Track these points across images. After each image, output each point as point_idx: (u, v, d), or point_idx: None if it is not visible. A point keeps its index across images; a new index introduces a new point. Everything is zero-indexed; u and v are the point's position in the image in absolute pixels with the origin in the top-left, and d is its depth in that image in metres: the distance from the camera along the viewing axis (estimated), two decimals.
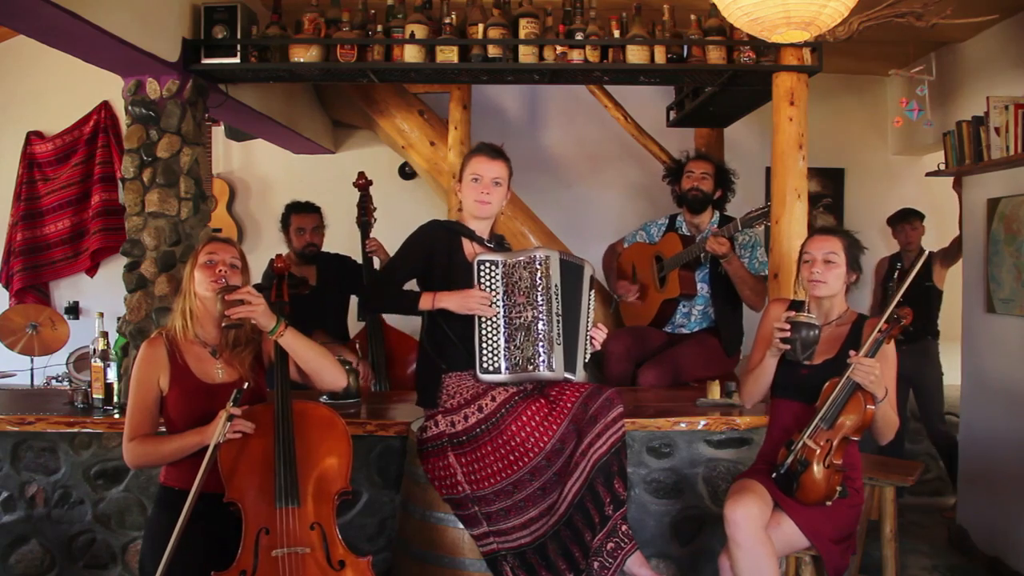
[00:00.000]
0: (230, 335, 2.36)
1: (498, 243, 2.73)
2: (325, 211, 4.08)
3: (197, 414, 2.24)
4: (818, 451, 2.35)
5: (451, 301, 2.52)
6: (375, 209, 3.74)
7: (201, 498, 2.16)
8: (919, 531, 4.23)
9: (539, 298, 2.50)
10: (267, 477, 2.18)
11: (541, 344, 2.47)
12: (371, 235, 3.75)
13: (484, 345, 2.51)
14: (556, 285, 2.52)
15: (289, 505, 2.16)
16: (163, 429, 2.31)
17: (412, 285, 2.65)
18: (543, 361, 2.47)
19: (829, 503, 2.36)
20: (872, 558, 3.28)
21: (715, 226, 3.71)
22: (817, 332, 2.42)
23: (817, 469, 2.35)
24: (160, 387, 2.28)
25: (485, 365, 2.51)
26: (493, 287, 2.53)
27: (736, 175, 3.91)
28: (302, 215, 3.93)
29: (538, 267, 2.51)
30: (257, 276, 2.58)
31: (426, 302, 2.54)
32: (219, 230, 5.23)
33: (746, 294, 3.64)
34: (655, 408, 3.02)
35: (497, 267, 2.54)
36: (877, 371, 2.30)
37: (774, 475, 2.44)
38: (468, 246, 2.63)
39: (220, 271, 2.30)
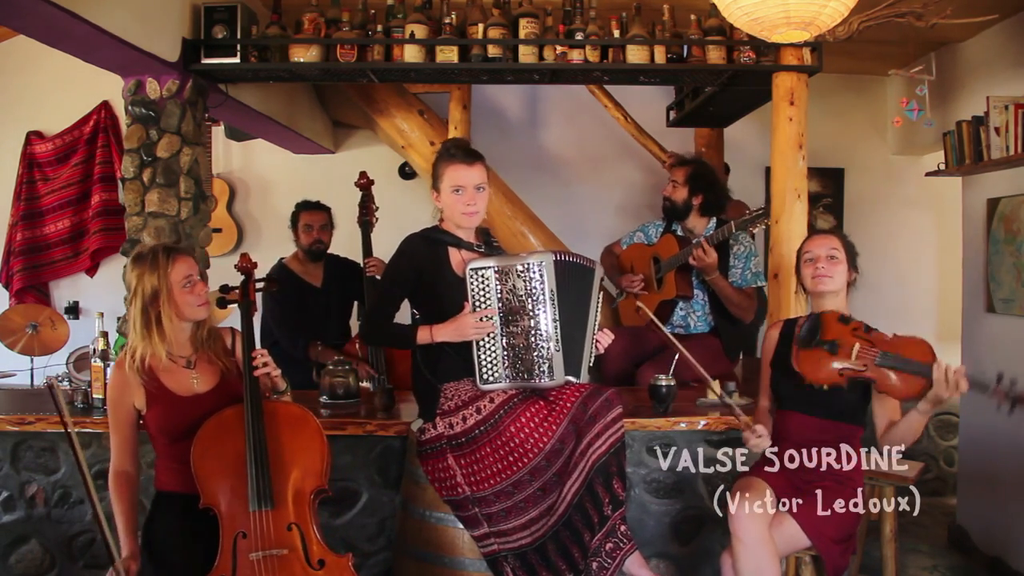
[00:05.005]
0: (200, 337, 2.35)
1: (485, 241, 2.65)
2: None
3: (179, 429, 2.23)
4: (853, 354, 2.34)
5: (447, 333, 2.46)
6: (377, 209, 3.74)
7: (186, 501, 2.18)
8: (919, 531, 4.23)
9: (536, 305, 2.44)
10: (241, 480, 2.17)
11: (540, 352, 2.44)
12: (371, 247, 3.75)
13: (482, 356, 2.47)
14: (551, 290, 2.45)
15: (264, 508, 2.15)
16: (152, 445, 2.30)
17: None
18: (543, 370, 2.44)
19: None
20: (872, 558, 3.28)
21: (711, 231, 3.69)
22: (667, 389, 2.90)
23: (837, 361, 2.35)
24: (136, 408, 2.27)
25: (485, 376, 2.47)
26: (486, 297, 2.46)
27: (715, 173, 3.84)
28: (311, 212, 4.01)
29: (533, 273, 2.44)
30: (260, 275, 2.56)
31: (423, 336, 2.48)
32: (219, 230, 5.24)
33: (732, 310, 3.66)
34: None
35: (490, 274, 2.47)
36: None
37: (800, 331, 2.45)
38: (455, 255, 2.56)
39: (201, 293, 2.30)
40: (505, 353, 2.46)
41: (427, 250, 2.55)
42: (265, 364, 2.29)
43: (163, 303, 2.25)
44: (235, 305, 2.44)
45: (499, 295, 2.46)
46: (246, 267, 2.47)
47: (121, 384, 2.26)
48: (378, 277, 3.64)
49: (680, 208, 3.73)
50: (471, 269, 2.48)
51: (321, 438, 2.29)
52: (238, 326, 2.43)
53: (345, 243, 4.14)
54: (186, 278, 2.27)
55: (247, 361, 2.29)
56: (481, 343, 2.47)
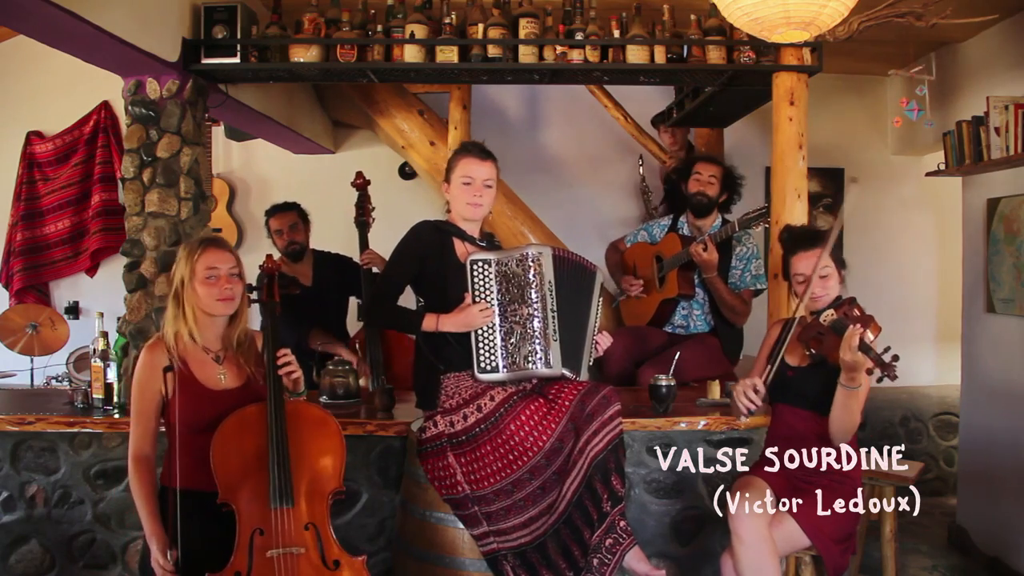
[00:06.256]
0: (231, 336, 2.36)
1: (488, 241, 2.71)
2: (324, 211, 4.09)
3: (200, 421, 2.24)
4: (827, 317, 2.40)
5: (453, 323, 2.50)
6: (373, 209, 3.74)
7: (199, 497, 2.17)
8: (919, 531, 4.23)
9: (533, 295, 2.50)
10: (260, 478, 2.17)
11: (537, 341, 2.48)
12: (368, 247, 3.73)
13: (481, 345, 2.50)
14: (550, 281, 2.52)
15: (283, 505, 2.15)
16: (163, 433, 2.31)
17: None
18: (540, 358, 2.47)
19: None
20: (872, 558, 3.28)
21: (716, 228, 3.70)
22: (667, 389, 2.92)
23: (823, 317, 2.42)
24: (162, 393, 2.27)
25: (483, 365, 2.50)
26: (487, 286, 2.52)
27: (743, 180, 3.87)
28: (276, 216, 3.97)
29: (531, 264, 2.51)
30: (252, 276, 2.56)
31: (429, 324, 2.52)
32: (219, 230, 5.23)
33: (726, 313, 3.67)
34: None
35: (490, 266, 2.53)
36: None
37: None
38: (460, 246, 2.61)
39: (224, 288, 2.29)
40: (503, 343, 2.49)
41: (433, 237, 2.61)
42: (288, 363, 2.30)
43: (185, 291, 2.28)
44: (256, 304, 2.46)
45: (499, 285, 2.52)
46: (271, 267, 2.48)
47: (151, 365, 2.26)
48: (375, 270, 3.63)
49: (713, 203, 3.74)
50: (472, 260, 2.54)
51: (340, 439, 2.31)
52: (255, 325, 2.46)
53: (344, 244, 4.14)
54: (209, 270, 2.28)
55: (271, 359, 2.30)
56: (480, 332, 2.51)
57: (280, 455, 2.18)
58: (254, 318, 2.47)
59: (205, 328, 2.33)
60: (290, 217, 3.95)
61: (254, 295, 2.45)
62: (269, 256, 2.51)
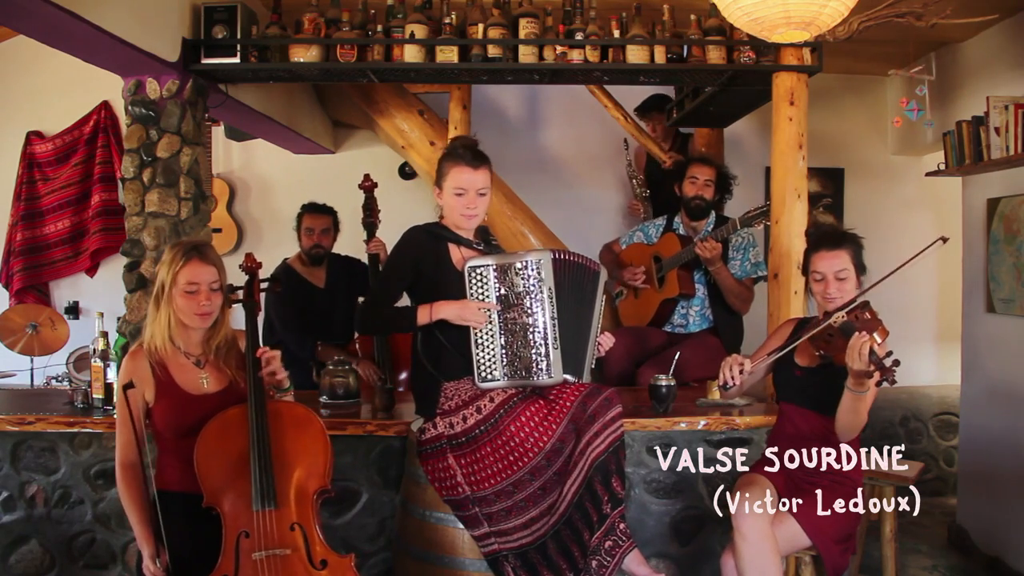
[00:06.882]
0: (212, 343, 2.34)
1: (484, 239, 2.66)
2: None
3: (184, 426, 2.23)
4: (838, 318, 2.36)
5: (448, 311, 2.47)
6: (380, 211, 3.75)
7: (190, 501, 2.17)
8: (919, 531, 4.23)
9: (533, 303, 2.46)
10: (244, 480, 2.16)
11: (538, 350, 2.45)
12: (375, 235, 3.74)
13: (480, 353, 2.48)
14: (550, 288, 2.47)
15: (267, 507, 2.15)
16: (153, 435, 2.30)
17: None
18: (541, 368, 2.45)
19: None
20: (872, 558, 3.28)
21: (711, 228, 3.71)
22: (667, 389, 2.94)
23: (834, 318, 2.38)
24: (145, 400, 2.26)
25: (483, 374, 2.48)
26: (485, 295, 2.48)
27: (736, 180, 3.88)
28: (313, 216, 3.98)
29: (531, 271, 2.46)
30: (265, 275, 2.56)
31: (423, 315, 2.48)
32: (219, 230, 5.23)
33: (731, 300, 3.68)
34: None
35: (488, 272, 2.48)
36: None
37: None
38: (455, 251, 2.57)
39: (203, 303, 2.27)
40: (503, 351, 2.47)
41: (428, 243, 2.56)
42: (268, 362, 2.28)
43: (165, 297, 2.27)
44: (239, 305, 2.44)
45: (498, 293, 2.48)
46: (251, 267, 2.47)
47: (133, 373, 2.26)
48: (381, 254, 3.63)
49: (710, 206, 3.76)
50: (470, 267, 2.50)
51: (324, 438, 2.29)
52: (241, 326, 2.43)
53: (346, 244, 4.14)
54: (190, 283, 2.25)
55: (251, 360, 2.29)
56: (480, 341, 2.47)
57: (262, 457, 2.17)
58: (239, 318, 2.46)
59: (186, 336, 2.32)
60: (325, 221, 3.97)
61: (238, 295, 2.43)
62: (249, 255, 2.49)
